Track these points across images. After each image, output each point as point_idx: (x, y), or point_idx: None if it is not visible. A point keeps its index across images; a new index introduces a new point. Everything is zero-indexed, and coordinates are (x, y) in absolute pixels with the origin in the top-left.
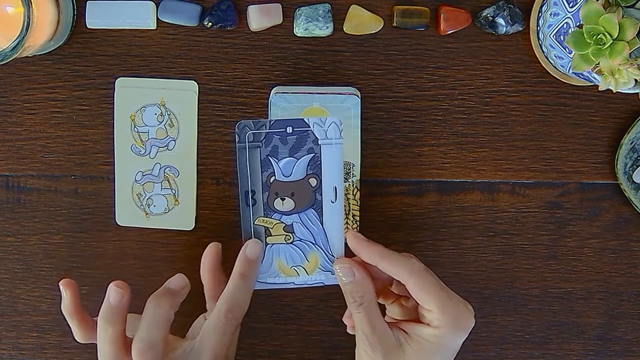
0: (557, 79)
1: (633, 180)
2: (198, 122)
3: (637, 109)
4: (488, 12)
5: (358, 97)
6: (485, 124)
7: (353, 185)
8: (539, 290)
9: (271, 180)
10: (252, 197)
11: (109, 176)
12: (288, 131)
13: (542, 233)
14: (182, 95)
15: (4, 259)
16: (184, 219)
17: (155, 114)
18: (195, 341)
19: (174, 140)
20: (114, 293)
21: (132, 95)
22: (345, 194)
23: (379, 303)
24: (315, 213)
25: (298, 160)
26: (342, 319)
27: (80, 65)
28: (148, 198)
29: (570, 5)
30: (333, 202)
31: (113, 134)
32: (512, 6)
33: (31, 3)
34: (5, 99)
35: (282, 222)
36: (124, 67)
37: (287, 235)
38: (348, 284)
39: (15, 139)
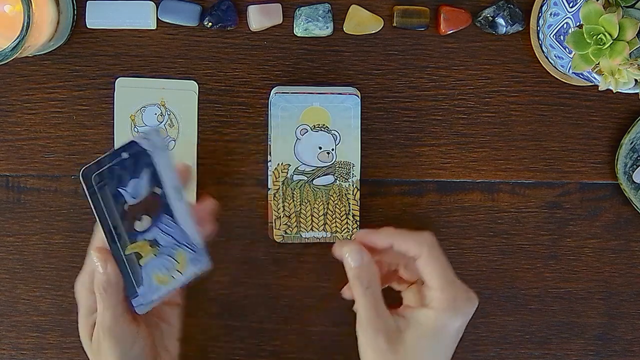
0: (557, 79)
1: (633, 180)
2: (198, 122)
3: (637, 109)
4: (488, 12)
5: (358, 97)
6: (485, 124)
7: (353, 186)
8: (539, 290)
9: (125, 208)
10: (115, 232)
11: None
12: (124, 157)
13: (542, 233)
14: (182, 96)
15: (4, 259)
16: None
17: (155, 114)
18: None
19: (174, 141)
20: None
21: (132, 95)
22: (345, 194)
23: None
24: (168, 216)
25: (140, 178)
26: (342, 292)
27: (80, 65)
28: None
29: (570, 5)
30: (179, 200)
31: (113, 134)
32: (512, 6)
33: (31, 3)
34: (5, 99)
35: (147, 240)
36: (124, 67)
37: (154, 249)
38: (356, 268)
39: (15, 139)
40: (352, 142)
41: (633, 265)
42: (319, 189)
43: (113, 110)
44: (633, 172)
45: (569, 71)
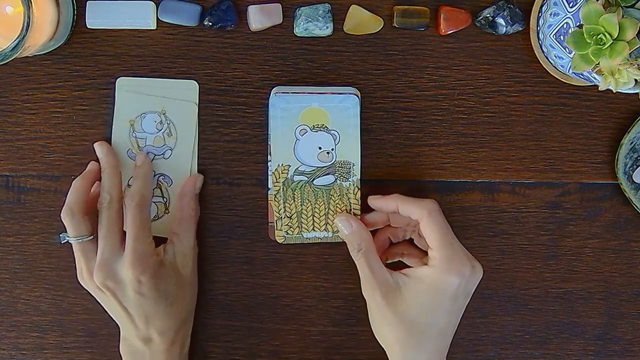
0: (557, 79)
1: (633, 180)
2: (198, 123)
3: (637, 109)
4: (488, 12)
5: (358, 97)
6: (485, 124)
7: (354, 185)
8: (539, 290)
9: None
10: None
11: None
12: None
13: (542, 233)
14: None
15: (4, 259)
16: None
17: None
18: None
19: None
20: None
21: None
22: (346, 194)
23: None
24: None
25: None
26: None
27: (80, 65)
28: None
29: (570, 5)
30: None
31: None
32: (512, 6)
33: (31, 3)
34: (5, 99)
35: None
36: (124, 67)
37: None
38: (349, 234)
39: (15, 139)
40: (351, 142)
41: (633, 265)
42: (320, 189)
43: (113, 111)
44: (633, 172)
45: (569, 71)
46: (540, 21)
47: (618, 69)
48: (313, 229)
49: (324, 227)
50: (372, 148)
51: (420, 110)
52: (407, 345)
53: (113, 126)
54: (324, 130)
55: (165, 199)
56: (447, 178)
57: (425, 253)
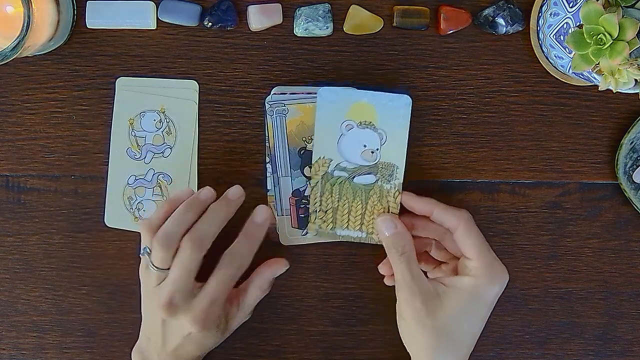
0: (557, 79)
1: (633, 180)
2: (198, 123)
3: (637, 109)
4: (488, 12)
5: (410, 99)
6: (485, 124)
7: (395, 188)
8: (539, 290)
9: None
10: None
11: None
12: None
13: (542, 233)
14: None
15: (4, 259)
16: None
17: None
18: None
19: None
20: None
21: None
22: (386, 196)
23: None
24: None
25: None
26: (378, 268)
27: (80, 65)
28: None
29: (570, 5)
30: None
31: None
32: (512, 6)
33: (31, 3)
34: (5, 99)
35: None
36: (124, 67)
37: None
38: (391, 235)
39: (15, 139)
40: (398, 144)
41: (633, 265)
42: (359, 187)
43: (112, 111)
44: (633, 172)
45: (569, 71)
46: (540, 21)
47: (618, 69)
48: (347, 227)
49: (358, 226)
50: None
51: (420, 110)
52: (440, 351)
53: (112, 125)
54: (371, 128)
55: (165, 197)
56: (447, 178)
57: (440, 262)
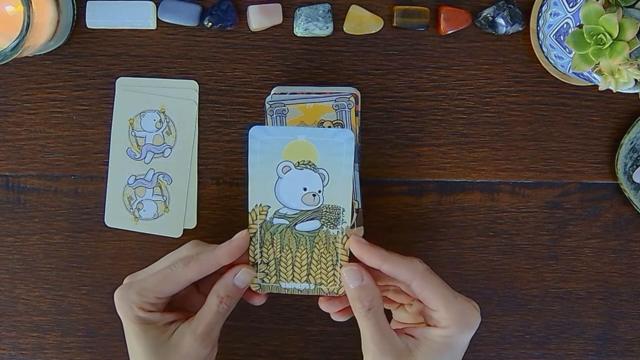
0: (557, 79)
1: (633, 180)
2: (198, 123)
3: (637, 109)
4: (488, 12)
5: (351, 131)
6: (485, 124)
7: (342, 233)
8: (539, 290)
9: None
10: None
11: None
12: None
13: (542, 233)
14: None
15: (4, 259)
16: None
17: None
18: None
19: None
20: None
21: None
22: (333, 242)
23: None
24: None
25: None
26: (319, 304)
27: (80, 65)
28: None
29: (570, 5)
30: None
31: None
32: (512, 6)
33: (31, 3)
34: (5, 99)
35: None
36: (124, 67)
37: None
38: (356, 288)
39: (15, 139)
40: (342, 184)
41: (633, 265)
42: (303, 235)
43: (112, 111)
44: (633, 172)
45: (569, 71)
46: (540, 21)
47: (618, 69)
48: (292, 280)
49: (305, 278)
50: (372, 148)
51: (420, 110)
52: None
53: (112, 125)
54: (310, 169)
55: (164, 197)
56: (447, 178)
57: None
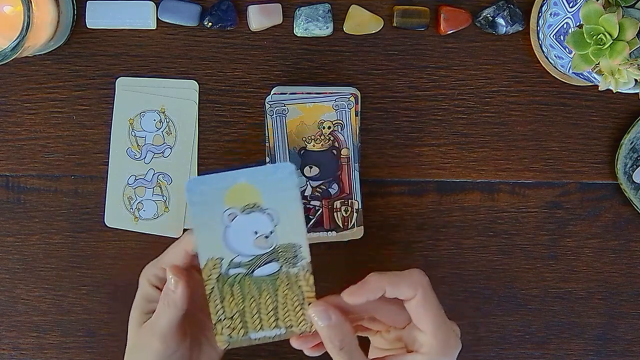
0: (557, 79)
1: (633, 180)
2: (198, 123)
3: (637, 109)
4: (488, 12)
5: (292, 165)
6: (485, 124)
7: (304, 270)
8: (539, 290)
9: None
10: None
11: None
12: None
13: (542, 233)
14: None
15: (4, 259)
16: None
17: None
18: None
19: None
20: None
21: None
22: (296, 282)
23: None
24: None
25: None
26: (291, 343)
27: (80, 65)
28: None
29: (570, 5)
30: None
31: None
32: (512, 6)
33: (31, 3)
34: (5, 99)
35: None
36: (124, 67)
37: None
38: (325, 328)
39: (15, 139)
40: (293, 220)
41: (633, 265)
42: (263, 280)
43: (112, 111)
44: (633, 172)
45: (569, 71)
46: (540, 21)
47: (618, 69)
48: (261, 328)
49: (274, 324)
50: (372, 148)
51: (420, 110)
52: None
53: (112, 125)
54: (257, 211)
55: (164, 197)
56: (447, 178)
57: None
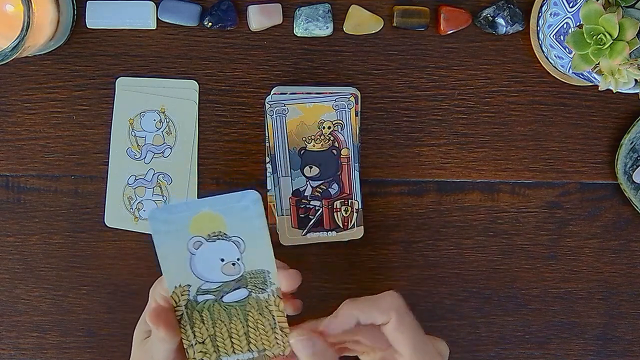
0: (557, 79)
1: (633, 180)
2: (198, 123)
3: (637, 109)
4: (488, 12)
5: (257, 194)
6: (485, 124)
7: (274, 295)
8: (539, 290)
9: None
10: None
11: None
12: None
13: (542, 233)
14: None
15: (4, 259)
16: None
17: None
18: None
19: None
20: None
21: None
22: (266, 307)
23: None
24: None
25: None
26: None
27: (80, 65)
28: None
29: (570, 5)
30: None
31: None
32: (512, 6)
33: (31, 3)
34: (5, 99)
35: None
36: (124, 67)
37: None
38: (309, 356)
39: (15, 139)
40: (260, 246)
41: (633, 265)
42: (232, 306)
43: (112, 111)
44: (633, 172)
45: (569, 71)
46: (540, 21)
47: (618, 69)
48: (234, 352)
49: (246, 347)
50: (372, 148)
51: (420, 110)
52: None
53: (112, 125)
54: (223, 239)
55: (164, 197)
56: (447, 178)
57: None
